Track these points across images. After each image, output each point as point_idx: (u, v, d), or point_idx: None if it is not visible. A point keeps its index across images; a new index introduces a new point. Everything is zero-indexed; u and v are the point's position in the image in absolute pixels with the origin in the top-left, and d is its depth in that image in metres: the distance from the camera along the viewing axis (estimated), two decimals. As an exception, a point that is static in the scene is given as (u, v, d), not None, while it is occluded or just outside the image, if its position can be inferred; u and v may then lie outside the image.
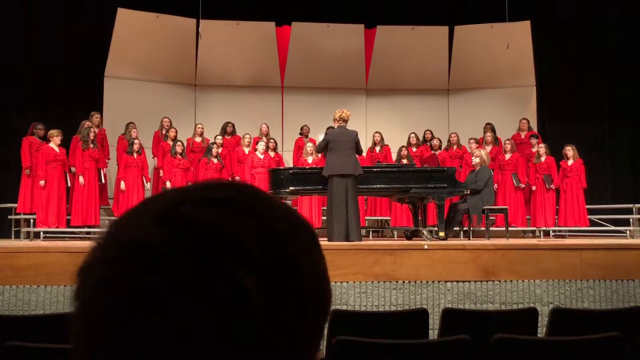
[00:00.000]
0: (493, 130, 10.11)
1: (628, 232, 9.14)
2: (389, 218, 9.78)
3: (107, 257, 0.48)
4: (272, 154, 9.76)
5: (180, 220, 0.48)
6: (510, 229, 7.84)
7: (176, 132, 9.60)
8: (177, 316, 0.44)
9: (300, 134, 10.60)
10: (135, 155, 9.09)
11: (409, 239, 7.72)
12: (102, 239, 0.49)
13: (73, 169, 8.64)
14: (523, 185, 9.42)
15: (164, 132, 9.76)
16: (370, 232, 9.76)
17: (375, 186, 7.13)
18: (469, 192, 7.49)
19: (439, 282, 5.57)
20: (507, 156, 9.54)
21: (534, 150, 9.55)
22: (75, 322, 0.48)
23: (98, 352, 0.46)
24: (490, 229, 7.63)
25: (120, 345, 0.44)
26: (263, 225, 0.49)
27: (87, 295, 0.47)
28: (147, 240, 0.46)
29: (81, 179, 8.53)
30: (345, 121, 6.84)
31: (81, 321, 0.47)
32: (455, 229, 8.14)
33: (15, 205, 8.70)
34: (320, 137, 10.21)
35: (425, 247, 5.74)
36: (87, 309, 0.47)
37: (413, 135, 10.31)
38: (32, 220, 8.53)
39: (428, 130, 10.59)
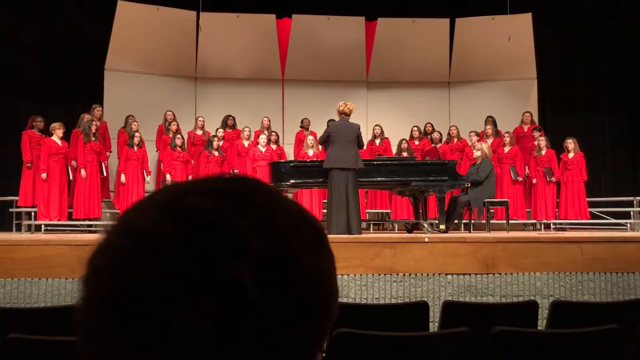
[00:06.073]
0: (494, 123, 10.09)
1: (628, 224, 9.13)
2: (390, 211, 9.79)
3: (109, 244, 0.49)
4: (273, 147, 9.74)
5: (181, 209, 0.48)
6: (510, 221, 7.84)
7: (178, 125, 9.60)
8: (171, 305, 0.44)
9: (301, 126, 10.58)
10: (135, 148, 9.07)
11: (409, 231, 7.73)
12: (109, 228, 0.50)
13: (74, 162, 8.64)
14: (521, 179, 9.42)
15: (167, 125, 9.76)
16: (371, 225, 9.77)
17: (375, 179, 7.12)
18: (469, 185, 7.49)
19: (439, 274, 5.58)
20: (506, 149, 9.53)
21: (536, 143, 9.54)
22: (77, 307, 0.48)
23: (92, 337, 0.46)
24: (491, 221, 7.63)
25: (110, 330, 0.45)
26: (264, 218, 0.49)
27: (89, 281, 0.48)
28: (148, 228, 0.47)
29: (83, 172, 8.52)
30: (348, 115, 6.83)
31: (81, 306, 0.48)
32: (455, 221, 8.14)
33: (16, 198, 8.71)
34: (321, 132, 10.30)
35: (426, 239, 5.75)
36: (87, 294, 0.48)
37: (415, 128, 10.30)
38: (33, 213, 8.54)
39: (429, 123, 10.57)
